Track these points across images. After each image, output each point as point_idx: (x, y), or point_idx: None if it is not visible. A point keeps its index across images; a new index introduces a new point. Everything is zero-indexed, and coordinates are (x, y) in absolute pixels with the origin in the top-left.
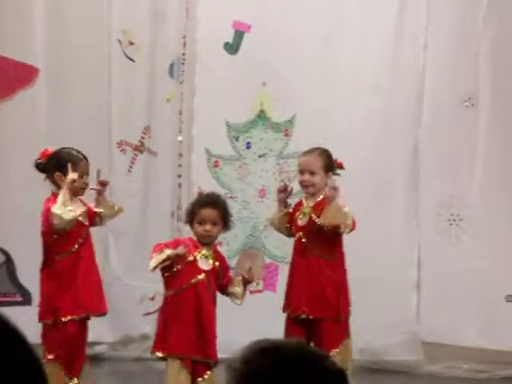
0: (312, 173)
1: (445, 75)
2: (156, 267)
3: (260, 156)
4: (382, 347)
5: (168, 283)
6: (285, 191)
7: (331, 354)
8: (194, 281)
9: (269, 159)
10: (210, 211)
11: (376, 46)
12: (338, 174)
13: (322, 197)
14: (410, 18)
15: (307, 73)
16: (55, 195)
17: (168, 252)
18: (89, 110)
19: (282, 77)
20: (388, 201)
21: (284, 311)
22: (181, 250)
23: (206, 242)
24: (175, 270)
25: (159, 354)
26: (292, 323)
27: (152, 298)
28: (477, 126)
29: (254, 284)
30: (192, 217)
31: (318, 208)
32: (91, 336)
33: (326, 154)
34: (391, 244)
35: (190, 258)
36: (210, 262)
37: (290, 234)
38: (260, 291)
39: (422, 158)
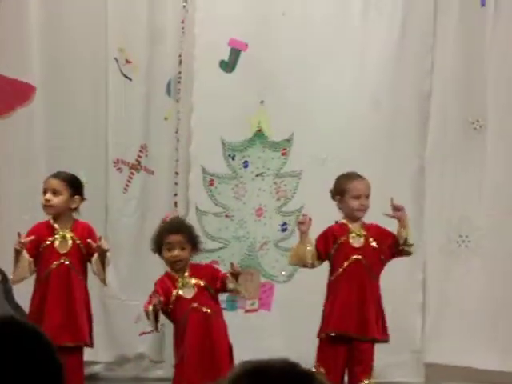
0: (367, 197)
1: (453, 96)
2: (157, 326)
3: (257, 175)
4: (384, 368)
5: (170, 319)
6: (305, 223)
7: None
8: (187, 313)
9: (266, 178)
10: (175, 237)
11: (377, 65)
12: None
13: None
14: (414, 39)
15: (305, 92)
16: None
17: (150, 311)
18: (85, 129)
19: (280, 96)
20: (393, 221)
21: (327, 332)
22: (154, 300)
23: (178, 267)
24: (169, 310)
25: None
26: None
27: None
28: (485, 148)
29: (250, 303)
30: (159, 245)
31: (369, 229)
32: (87, 355)
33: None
34: (396, 265)
35: (173, 298)
36: (191, 287)
37: (317, 263)
38: (256, 310)
39: (429, 179)
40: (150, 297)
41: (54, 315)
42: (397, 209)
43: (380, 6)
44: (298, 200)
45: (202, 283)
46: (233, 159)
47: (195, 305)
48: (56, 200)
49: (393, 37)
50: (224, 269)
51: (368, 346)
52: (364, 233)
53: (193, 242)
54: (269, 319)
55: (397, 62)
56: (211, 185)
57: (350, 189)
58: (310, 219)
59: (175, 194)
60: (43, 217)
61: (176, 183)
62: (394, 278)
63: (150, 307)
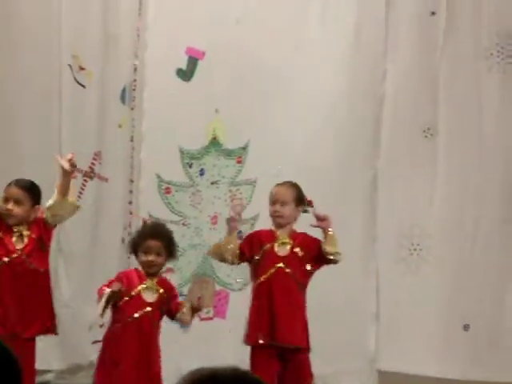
0: (283, 203)
1: (404, 105)
2: (103, 312)
3: (212, 183)
4: (336, 375)
5: (113, 317)
6: (235, 220)
7: None
8: (137, 315)
9: (221, 186)
10: (154, 242)
11: (332, 74)
12: (307, 211)
13: (293, 228)
14: (366, 46)
15: (261, 101)
16: None
17: (106, 293)
18: (38, 136)
19: (236, 104)
20: (345, 230)
21: (255, 341)
22: (115, 286)
23: (152, 271)
24: (119, 305)
25: None
26: (265, 353)
27: (101, 326)
28: (435, 156)
29: (205, 311)
30: (136, 247)
31: (296, 238)
32: (38, 363)
33: (297, 187)
34: (350, 273)
35: (134, 292)
36: (155, 293)
37: (236, 261)
38: (211, 318)
39: (381, 188)
40: (110, 281)
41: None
42: (320, 219)
43: (334, 13)
44: (253, 208)
45: (164, 295)
46: (190, 167)
47: (149, 309)
48: (18, 210)
49: (346, 44)
50: (179, 276)
51: (302, 357)
52: (290, 241)
53: (170, 250)
54: (224, 327)
55: (350, 70)
56: (167, 193)
57: (271, 194)
58: (240, 215)
59: (130, 202)
60: None
61: (131, 191)
62: (347, 286)
63: (108, 290)
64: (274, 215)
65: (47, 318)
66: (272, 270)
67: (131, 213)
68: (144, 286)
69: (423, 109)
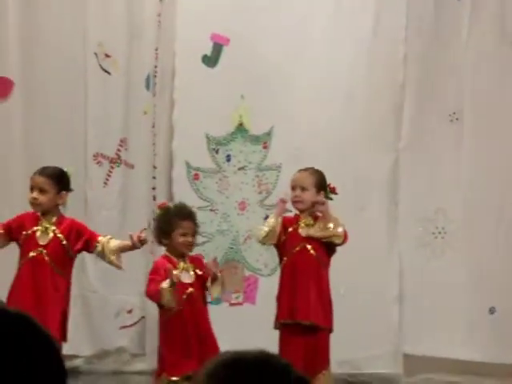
0: (303, 189)
1: (428, 89)
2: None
3: (239, 169)
4: (362, 360)
5: (160, 307)
6: (285, 202)
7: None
8: (184, 297)
9: (248, 172)
10: (190, 223)
11: (351, 57)
12: (330, 198)
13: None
14: (387, 30)
15: (284, 85)
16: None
17: (166, 287)
18: (65, 123)
19: (260, 90)
20: (368, 214)
21: (282, 320)
22: (172, 280)
23: (188, 252)
24: None
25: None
26: (290, 334)
27: (129, 311)
28: (461, 140)
29: (235, 296)
30: (170, 229)
31: (318, 220)
32: (67, 349)
33: (319, 173)
34: (372, 257)
35: (174, 279)
36: (192, 273)
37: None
38: (241, 304)
39: (405, 171)
40: (153, 279)
41: (20, 304)
42: (320, 203)
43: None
44: (279, 193)
45: (199, 272)
46: (217, 153)
47: (192, 290)
48: (43, 198)
49: (366, 30)
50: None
51: (322, 336)
52: (314, 222)
53: (197, 232)
54: (254, 312)
55: (370, 55)
56: (196, 179)
57: (292, 180)
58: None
59: (153, 188)
60: (24, 210)
61: (154, 177)
62: (370, 270)
63: (166, 284)
64: (294, 200)
65: (57, 327)
66: (295, 250)
67: (155, 199)
68: (180, 269)
69: (449, 93)
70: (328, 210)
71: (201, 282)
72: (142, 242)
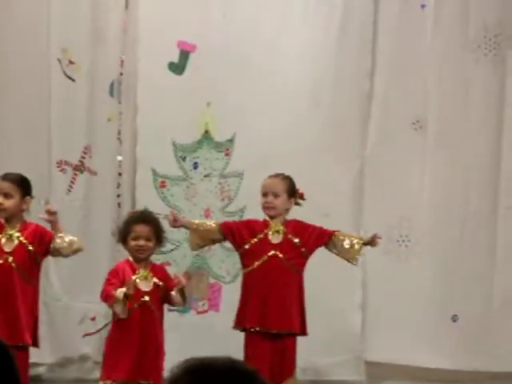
0: (275, 195)
1: (393, 97)
2: (125, 312)
3: (205, 176)
4: (325, 366)
5: (114, 312)
6: (176, 221)
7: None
8: (136, 305)
9: (212, 179)
10: (143, 227)
11: (317, 66)
12: (299, 204)
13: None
14: (354, 39)
15: (249, 92)
16: None
17: (119, 295)
18: (28, 129)
19: (225, 97)
20: (333, 222)
21: (247, 328)
22: (129, 287)
23: (141, 257)
24: None
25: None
26: (257, 339)
27: (93, 319)
28: (424, 148)
29: (201, 304)
30: (125, 234)
31: (289, 225)
32: (30, 356)
33: (289, 179)
34: (336, 264)
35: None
36: (150, 281)
37: (215, 241)
38: (206, 311)
39: (369, 180)
40: (109, 281)
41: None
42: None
43: (320, 6)
44: (241, 200)
45: (159, 283)
46: (184, 160)
47: (147, 299)
48: (8, 203)
49: (332, 36)
50: (176, 269)
51: (290, 342)
52: (284, 229)
53: (158, 236)
54: (218, 319)
55: (336, 63)
56: (163, 186)
57: (262, 186)
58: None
59: (118, 195)
60: None
61: (119, 184)
62: (333, 277)
63: (121, 292)
64: (266, 206)
65: (31, 334)
66: (265, 257)
67: (120, 206)
68: (139, 275)
69: (412, 101)
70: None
71: (158, 292)
72: (50, 213)
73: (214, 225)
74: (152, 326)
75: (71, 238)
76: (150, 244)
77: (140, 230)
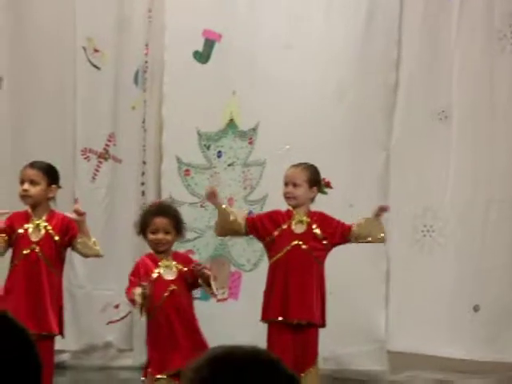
0: (295, 185)
1: (418, 87)
2: (142, 313)
3: (229, 165)
4: (347, 356)
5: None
6: (213, 195)
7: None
8: (166, 294)
9: (236, 168)
10: (161, 220)
11: (343, 57)
12: (325, 193)
13: (309, 208)
14: (380, 31)
15: (274, 82)
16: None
17: (138, 295)
18: (53, 118)
19: (251, 86)
20: (357, 212)
21: (270, 318)
22: (144, 287)
23: (160, 250)
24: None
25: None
26: (280, 329)
27: (116, 307)
28: (449, 139)
29: (221, 292)
30: (144, 227)
31: (313, 216)
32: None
33: (312, 169)
34: (360, 255)
35: (155, 275)
36: (174, 269)
37: (244, 232)
38: (225, 299)
39: (394, 170)
40: (131, 281)
41: (19, 302)
42: (383, 209)
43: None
44: (263, 189)
45: (183, 269)
46: (208, 149)
47: (174, 287)
48: (34, 190)
49: (358, 28)
50: (198, 257)
51: (312, 332)
52: (307, 219)
53: (177, 228)
54: (236, 307)
55: (362, 54)
56: (187, 175)
57: (285, 176)
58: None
59: (142, 183)
60: (10, 204)
61: (143, 172)
62: (357, 268)
63: (138, 292)
64: (286, 196)
65: (57, 322)
66: (288, 248)
67: (144, 194)
68: (162, 266)
69: (437, 92)
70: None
71: (184, 280)
72: (79, 213)
73: (241, 222)
74: (187, 312)
75: (94, 240)
76: (169, 237)
77: (159, 222)
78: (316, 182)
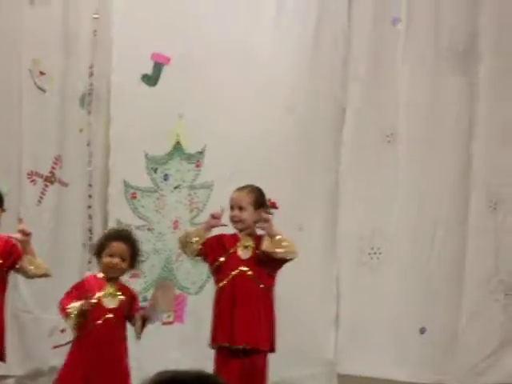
0: (241, 208)
1: (367, 110)
2: (75, 329)
3: (175, 187)
4: (297, 379)
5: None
6: (218, 219)
7: None
8: (100, 321)
9: (182, 190)
10: (120, 245)
11: (291, 77)
12: (271, 213)
13: (255, 231)
14: (328, 50)
15: (222, 103)
16: None
17: (73, 311)
18: None
19: (198, 108)
20: (306, 234)
21: (220, 343)
22: (85, 304)
23: (112, 275)
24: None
25: None
26: (227, 355)
27: (62, 331)
28: (396, 161)
29: (166, 315)
30: (101, 248)
31: (259, 241)
32: None
33: (256, 191)
34: (310, 276)
35: (94, 300)
36: (116, 299)
37: (193, 255)
38: (171, 322)
39: (343, 192)
40: (69, 295)
41: None
42: (264, 220)
43: (294, 14)
44: (210, 212)
45: (125, 301)
46: (155, 172)
47: (111, 316)
48: None
49: (306, 49)
50: (144, 280)
51: (260, 358)
52: (253, 244)
53: (133, 258)
54: (182, 331)
55: (312, 75)
56: (134, 197)
57: (230, 199)
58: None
59: (89, 206)
60: None
61: (90, 195)
62: (307, 290)
63: (75, 306)
64: (233, 220)
65: None
66: (234, 273)
67: (91, 217)
68: (105, 292)
69: (385, 114)
70: (272, 227)
71: (123, 310)
72: (24, 233)
73: (198, 247)
74: (116, 344)
75: (40, 262)
76: (124, 265)
77: (117, 247)
78: (261, 203)
